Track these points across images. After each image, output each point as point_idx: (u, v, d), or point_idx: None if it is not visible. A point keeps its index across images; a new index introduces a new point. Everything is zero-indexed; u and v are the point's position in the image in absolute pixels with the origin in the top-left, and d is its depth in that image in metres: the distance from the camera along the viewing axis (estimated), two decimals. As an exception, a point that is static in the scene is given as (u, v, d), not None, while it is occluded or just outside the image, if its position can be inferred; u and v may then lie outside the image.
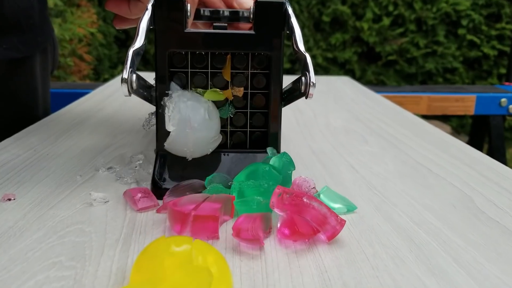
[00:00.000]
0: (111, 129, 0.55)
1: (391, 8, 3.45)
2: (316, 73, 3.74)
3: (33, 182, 0.38)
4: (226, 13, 0.42)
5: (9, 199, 0.34)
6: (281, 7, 0.35)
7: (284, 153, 0.35)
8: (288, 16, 0.35)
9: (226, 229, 0.31)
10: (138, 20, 0.33)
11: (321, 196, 0.34)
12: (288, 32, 0.35)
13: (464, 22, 3.58)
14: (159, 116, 0.36)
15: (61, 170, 0.41)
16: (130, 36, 3.39)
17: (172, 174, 0.36)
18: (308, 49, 3.41)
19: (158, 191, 0.35)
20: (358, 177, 0.41)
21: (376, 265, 0.27)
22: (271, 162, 0.35)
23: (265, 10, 0.35)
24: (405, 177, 0.41)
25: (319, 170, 0.42)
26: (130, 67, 0.30)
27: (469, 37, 3.58)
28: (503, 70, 3.72)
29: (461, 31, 3.57)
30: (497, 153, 1.07)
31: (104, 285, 0.24)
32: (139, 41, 0.32)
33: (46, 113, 0.67)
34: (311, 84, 0.33)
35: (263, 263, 0.27)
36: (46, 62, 0.66)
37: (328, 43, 3.45)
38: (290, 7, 0.36)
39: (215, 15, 0.43)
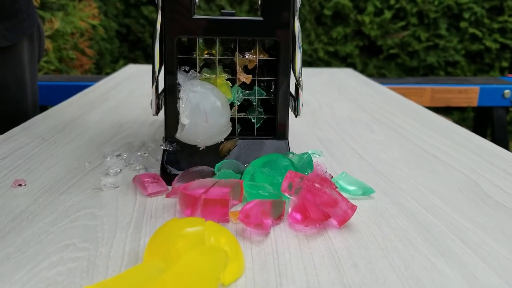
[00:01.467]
0: (117, 119, 0.55)
1: (392, 1, 3.44)
2: (317, 66, 3.72)
3: (42, 169, 0.38)
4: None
5: (20, 185, 0.34)
6: (289, -7, 0.35)
7: (307, 153, 0.36)
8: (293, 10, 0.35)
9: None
10: None
11: (340, 181, 0.34)
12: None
13: (466, 15, 3.57)
14: (168, 103, 0.36)
15: (69, 158, 0.41)
16: (132, 30, 3.39)
17: (180, 160, 0.36)
18: (309, 42, 3.40)
19: (167, 176, 0.35)
20: (365, 164, 0.41)
21: (385, 246, 0.27)
22: (292, 158, 0.35)
23: (273, -4, 0.35)
24: (412, 163, 0.41)
25: (326, 157, 0.43)
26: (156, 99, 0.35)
27: (471, 30, 3.57)
28: (505, 63, 3.71)
29: (463, 24, 3.56)
30: (500, 145, 1.06)
31: (118, 265, 0.24)
32: (157, 68, 0.35)
33: (34, 105, 0.64)
34: (300, 108, 0.37)
35: (273, 245, 0.27)
36: (33, 50, 0.64)
37: (330, 37, 3.44)
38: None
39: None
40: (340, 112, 0.62)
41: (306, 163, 0.35)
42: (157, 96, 0.35)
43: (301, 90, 0.36)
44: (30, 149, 0.43)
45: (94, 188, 0.34)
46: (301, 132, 0.52)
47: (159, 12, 0.34)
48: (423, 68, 3.67)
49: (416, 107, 0.65)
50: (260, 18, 0.35)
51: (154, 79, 0.34)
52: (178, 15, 0.35)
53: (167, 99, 0.36)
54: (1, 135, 0.47)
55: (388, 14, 3.45)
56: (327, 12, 3.33)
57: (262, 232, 0.28)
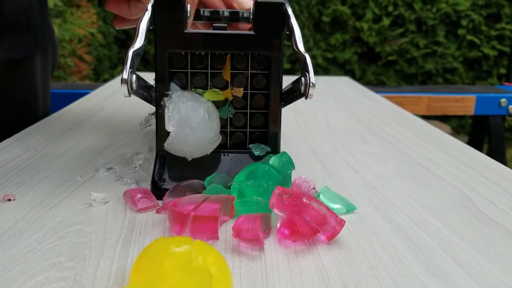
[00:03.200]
0: (111, 130, 0.55)
1: (391, 8, 3.45)
2: (316, 73, 3.73)
3: (33, 183, 0.38)
4: (226, 14, 0.43)
5: (9, 200, 0.34)
6: (281, 7, 0.35)
7: (284, 152, 0.35)
8: (288, 17, 0.35)
9: (226, 230, 0.31)
10: (138, 20, 0.33)
11: (321, 196, 0.34)
12: (288, 32, 0.35)
13: (464, 22, 3.58)
14: (159, 116, 0.36)
15: (61, 171, 0.41)
16: (130, 36, 3.39)
17: (172, 174, 0.36)
18: (308, 49, 3.40)
19: (157, 191, 0.35)
20: (357, 177, 0.41)
21: (376, 265, 0.27)
22: (270, 162, 0.35)
23: (265, 10, 0.35)
24: (405, 177, 0.41)
25: (319, 170, 0.43)
26: (130, 68, 0.30)
27: (469, 37, 3.58)
28: (503, 70, 3.72)
29: (461, 32, 3.57)
30: (497, 153, 1.08)
31: (104, 286, 0.24)
32: (139, 42, 0.32)
33: (46, 114, 0.67)
34: (311, 84, 0.33)
35: (262, 264, 0.27)
36: (46, 62, 0.67)
37: (328, 43, 3.45)
38: (289, 7, 0.36)
39: (214, 16, 0.43)
40: (335, 122, 0.61)
41: (286, 162, 0.35)
42: (133, 71, 0.31)
43: (310, 63, 0.33)
44: (21, 162, 0.43)
45: (83, 203, 0.34)
46: (295, 143, 0.51)
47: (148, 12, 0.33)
48: (421, 75, 3.68)
49: (411, 117, 0.65)
50: (252, 33, 0.35)
51: (132, 48, 0.31)
52: (169, 29, 0.35)
53: (159, 113, 0.36)
54: (-6, 147, 0.47)
55: (386, 21, 3.46)
56: (325, 18, 3.34)
57: (256, 247, 0.28)
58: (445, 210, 0.34)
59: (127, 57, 0.31)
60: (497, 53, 3.51)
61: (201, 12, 0.42)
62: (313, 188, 0.34)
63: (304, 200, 0.29)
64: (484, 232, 0.31)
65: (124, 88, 0.30)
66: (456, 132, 3.23)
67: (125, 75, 0.30)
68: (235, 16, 0.42)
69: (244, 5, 0.43)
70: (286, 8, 0.35)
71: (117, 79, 0.95)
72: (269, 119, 0.38)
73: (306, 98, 0.33)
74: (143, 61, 3.61)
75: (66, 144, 0.48)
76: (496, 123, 1.10)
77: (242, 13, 0.42)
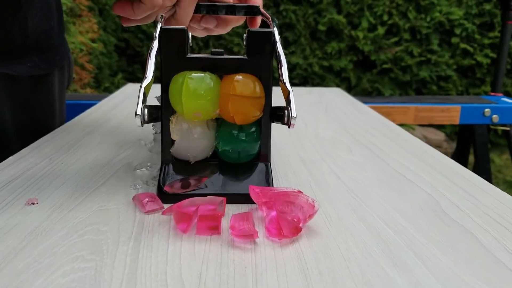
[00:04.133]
0: (117, 140, 0.60)
1: (385, 17, 3.51)
2: (312, 81, 3.78)
3: (52, 188, 0.43)
4: (223, 8, 0.48)
5: (33, 203, 0.39)
6: (270, 36, 0.40)
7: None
8: (275, 43, 0.40)
9: (222, 226, 0.36)
10: (143, 19, 0.37)
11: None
12: (276, 59, 0.40)
13: (458, 31, 3.65)
14: (164, 130, 0.41)
15: (75, 178, 0.45)
16: (130, 45, 3.45)
17: (175, 181, 0.41)
18: (304, 57, 3.47)
19: (163, 196, 0.40)
20: (339, 183, 0.46)
21: (348, 257, 0.32)
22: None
23: (256, 38, 0.40)
24: (382, 183, 0.46)
25: (306, 177, 0.48)
26: (142, 103, 0.35)
27: (462, 45, 3.65)
28: (496, 78, 3.77)
29: (454, 40, 3.64)
30: (481, 160, 1.13)
31: (120, 274, 0.29)
32: (149, 76, 0.36)
33: (61, 124, 0.73)
34: (293, 117, 0.37)
35: (253, 256, 0.31)
36: (63, 78, 0.72)
37: (324, 52, 3.51)
38: (277, 31, 0.41)
39: (212, 8, 0.48)
40: (324, 133, 0.67)
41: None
42: (145, 106, 0.35)
43: (292, 98, 0.38)
44: (39, 169, 0.47)
45: (98, 206, 0.39)
46: (286, 152, 0.57)
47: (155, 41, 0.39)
48: (416, 82, 3.74)
49: (395, 128, 0.70)
50: (245, 57, 0.40)
51: (143, 83, 0.36)
52: (174, 55, 0.40)
53: (163, 128, 0.41)
54: (12, 156, 0.52)
55: (381, 30, 3.53)
56: (321, 27, 3.41)
57: (248, 241, 0.33)
58: (414, 213, 0.39)
59: (139, 93, 0.35)
60: (490, 61, 3.58)
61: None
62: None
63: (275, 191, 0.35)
64: (445, 231, 0.36)
65: (138, 120, 0.35)
66: (450, 138, 3.29)
67: (138, 110, 0.34)
68: (231, 9, 0.48)
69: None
70: (274, 37, 0.40)
71: (120, 91, 1.00)
72: (261, 133, 0.43)
73: (289, 128, 0.38)
74: (142, 69, 3.66)
75: (78, 154, 0.53)
76: (481, 132, 1.16)
77: (239, 7, 0.48)
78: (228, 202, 0.38)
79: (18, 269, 0.29)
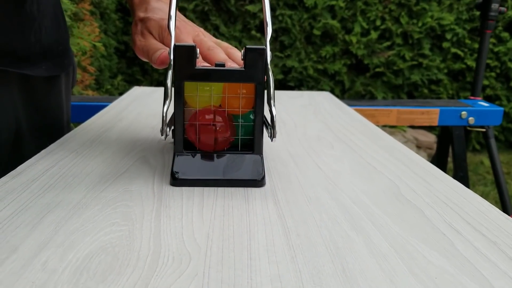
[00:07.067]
0: (132, 136, 0.69)
1: (378, 22, 3.62)
2: (307, 84, 3.87)
3: (83, 175, 0.52)
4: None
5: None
6: (263, 52, 0.50)
7: None
8: (265, 63, 0.50)
9: (219, 194, 0.45)
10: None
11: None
12: (266, 78, 0.50)
13: (449, 36, 3.76)
14: (177, 125, 0.51)
15: (101, 167, 0.55)
16: (129, 47, 3.54)
17: (185, 169, 0.51)
18: (300, 60, 3.57)
19: (175, 181, 0.49)
20: (320, 173, 0.56)
21: (320, 224, 0.41)
22: None
23: (252, 53, 0.50)
24: (355, 172, 0.56)
25: (292, 168, 0.57)
26: (167, 125, 0.47)
27: (453, 50, 3.76)
28: (486, 82, 3.89)
29: (445, 45, 3.75)
30: (458, 158, 1.23)
31: (147, 236, 0.39)
32: (169, 101, 0.47)
33: (68, 123, 0.82)
34: (275, 135, 0.50)
35: (247, 222, 0.41)
36: (69, 80, 0.82)
37: (319, 56, 3.62)
38: (268, 54, 0.50)
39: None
40: (311, 132, 0.76)
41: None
42: (169, 127, 0.49)
43: (275, 119, 0.49)
44: (69, 160, 0.57)
45: (124, 188, 0.48)
46: (276, 148, 0.66)
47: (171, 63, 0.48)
48: (408, 86, 3.85)
49: (373, 127, 0.80)
50: (243, 68, 0.50)
51: (165, 107, 0.47)
52: (185, 67, 0.49)
53: (176, 123, 0.51)
54: (44, 150, 0.61)
55: (374, 35, 3.64)
56: (316, 32, 3.51)
57: (247, 213, 0.42)
58: (377, 194, 0.49)
59: (163, 117, 0.46)
60: (480, 65, 3.68)
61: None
62: None
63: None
64: (399, 208, 0.46)
65: (163, 137, 0.47)
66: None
67: (163, 131, 0.47)
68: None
69: (232, 55, 0.56)
70: (266, 55, 0.50)
71: (128, 93, 1.09)
72: (254, 130, 0.52)
73: (271, 141, 0.51)
74: (141, 71, 3.76)
75: (100, 148, 0.63)
76: (458, 133, 1.27)
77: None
78: (229, 186, 0.48)
79: (70, 230, 0.39)
